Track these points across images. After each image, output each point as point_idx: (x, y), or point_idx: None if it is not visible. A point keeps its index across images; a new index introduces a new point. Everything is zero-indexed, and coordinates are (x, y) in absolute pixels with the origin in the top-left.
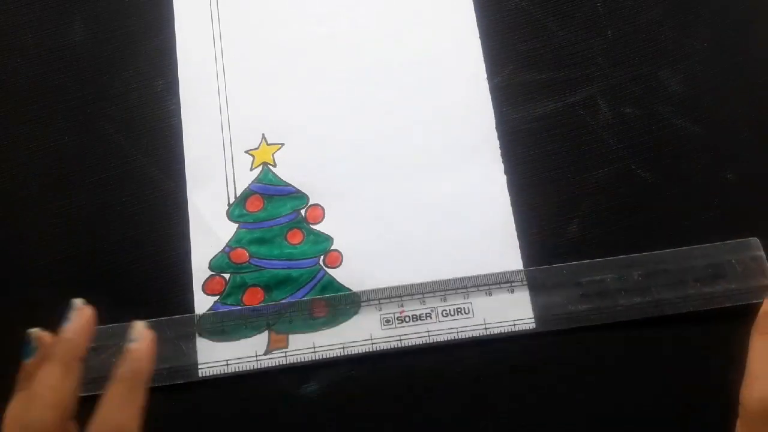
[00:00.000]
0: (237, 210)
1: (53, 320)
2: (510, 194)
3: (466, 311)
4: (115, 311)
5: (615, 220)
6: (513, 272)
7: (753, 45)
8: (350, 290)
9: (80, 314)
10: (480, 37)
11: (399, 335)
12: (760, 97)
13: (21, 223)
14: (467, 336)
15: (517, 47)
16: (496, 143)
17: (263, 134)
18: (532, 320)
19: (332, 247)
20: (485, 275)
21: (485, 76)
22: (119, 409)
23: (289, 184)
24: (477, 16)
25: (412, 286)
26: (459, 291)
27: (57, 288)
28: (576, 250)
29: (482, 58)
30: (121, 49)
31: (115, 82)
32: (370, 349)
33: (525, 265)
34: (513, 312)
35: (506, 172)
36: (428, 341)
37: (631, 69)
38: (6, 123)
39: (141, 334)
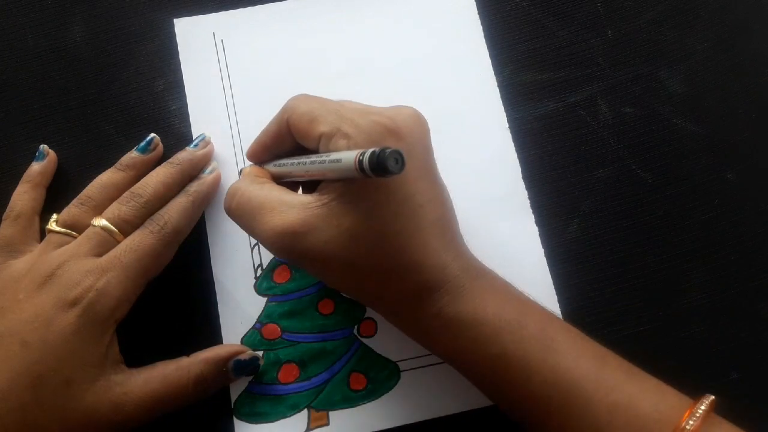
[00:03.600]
0: (265, 282)
1: None
2: None
3: None
4: None
5: (615, 220)
6: None
7: (753, 45)
8: (388, 359)
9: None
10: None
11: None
12: (760, 97)
13: None
14: None
15: (517, 47)
16: (524, 193)
17: None
18: None
19: (366, 315)
20: None
21: (496, 87)
22: (179, 214)
23: None
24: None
25: None
26: None
27: None
28: (576, 250)
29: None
30: (121, 49)
31: (115, 82)
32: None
33: None
34: None
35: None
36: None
37: (631, 69)
38: (6, 123)
39: (213, 168)
